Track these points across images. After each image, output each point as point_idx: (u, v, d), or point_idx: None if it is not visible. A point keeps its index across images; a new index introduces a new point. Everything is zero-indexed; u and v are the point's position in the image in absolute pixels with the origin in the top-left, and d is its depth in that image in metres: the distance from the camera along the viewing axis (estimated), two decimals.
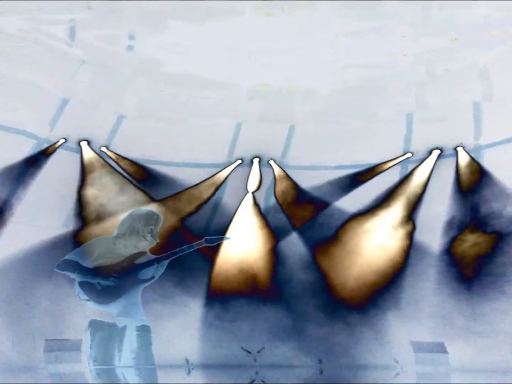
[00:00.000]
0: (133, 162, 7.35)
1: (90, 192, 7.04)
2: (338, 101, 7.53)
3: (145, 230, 5.05)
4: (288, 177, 7.68)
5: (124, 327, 4.66)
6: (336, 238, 7.42)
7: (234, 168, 7.68)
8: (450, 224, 7.21)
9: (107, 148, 7.39)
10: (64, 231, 6.99)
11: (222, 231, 7.38)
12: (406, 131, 7.59)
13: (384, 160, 7.60)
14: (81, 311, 5.82)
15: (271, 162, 7.77)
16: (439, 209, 7.30)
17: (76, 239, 6.69)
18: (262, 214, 7.60)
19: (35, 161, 6.95)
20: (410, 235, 7.28)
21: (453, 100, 7.27)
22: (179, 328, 6.86)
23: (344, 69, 7.10)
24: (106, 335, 4.65)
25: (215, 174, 7.62)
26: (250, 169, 7.77)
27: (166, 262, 5.05)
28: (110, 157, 7.34)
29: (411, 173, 7.53)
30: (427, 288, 7.01)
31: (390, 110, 7.57)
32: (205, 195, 7.49)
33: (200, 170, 7.70)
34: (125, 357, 4.68)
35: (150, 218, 5.12)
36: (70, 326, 6.37)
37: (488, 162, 7.25)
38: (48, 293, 6.51)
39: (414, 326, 6.87)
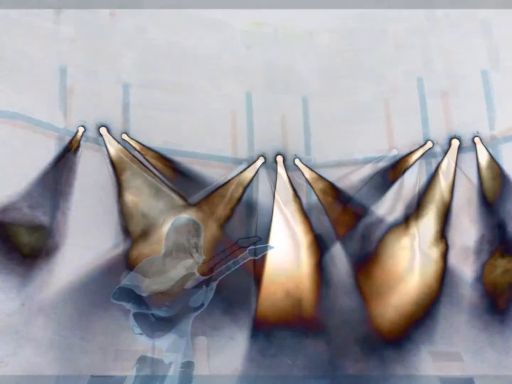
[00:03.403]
0: (159, 155, 6.69)
1: (129, 199, 6.42)
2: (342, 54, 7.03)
3: (190, 244, 4.61)
4: (321, 177, 7.16)
5: (170, 364, 4.27)
6: (376, 254, 6.87)
7: (259, 167, 7.15)
8: (480, 245, 6.53)
9: (127, 135, 6.66)
10: (115, 253, 6.28)
11: (263, 237, 6.61)
12: (420, 107, 6.98)
13: (405, 147, 7.02)
14: (134, 345, 5.17)
15: (297, 162, 7.25)
16: (467, 224, 6.61)
17: (128, 261, 6.06)
18: (306, 217, 7.05)
19: (65, 162, 6.21)
20: (444, 257, 6.66)
21: (459, 62, 6.65)
22: (222, 364, 6.32)
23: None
24: (151, 372, 4.26)
25: (241, 172, 7.06)
26: (274, 165, 7.21)
27: (214, 285, 4.56)
28: (135, 148, 6.63)
29: (436, 171, 6.85)
30: (460, 321, 6.51)
31: (397, 70, 7.02)
32: (235, 195, 6.95)
33: (222, 164, 7.14)
34: None
35: (192, 228, 4.67)
36: (120, 363, 5.84)
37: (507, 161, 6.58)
38: (104, 326, 5.92)
39: (445, 361, 6.47)
